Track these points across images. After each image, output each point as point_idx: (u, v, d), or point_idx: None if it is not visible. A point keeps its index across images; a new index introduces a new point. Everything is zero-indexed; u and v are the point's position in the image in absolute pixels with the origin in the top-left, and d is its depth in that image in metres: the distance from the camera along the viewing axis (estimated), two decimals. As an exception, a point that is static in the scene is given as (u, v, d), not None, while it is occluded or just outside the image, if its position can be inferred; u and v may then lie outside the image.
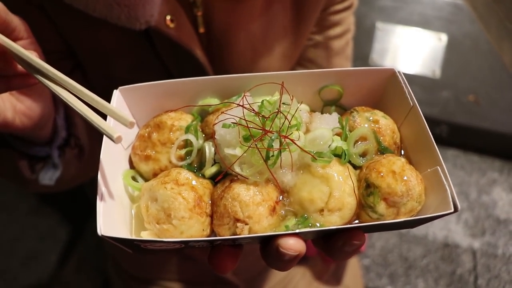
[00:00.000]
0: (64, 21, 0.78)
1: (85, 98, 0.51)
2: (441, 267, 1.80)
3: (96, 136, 0.79)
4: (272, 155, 0.53)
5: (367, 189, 0.55)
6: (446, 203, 0.51)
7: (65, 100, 0.51)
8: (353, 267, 1.48)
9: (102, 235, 0.47)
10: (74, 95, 0.52)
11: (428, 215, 0.52)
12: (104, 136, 0.55)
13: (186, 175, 0.56)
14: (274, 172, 0.54)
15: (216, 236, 0.56)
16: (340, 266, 1.43)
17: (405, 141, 0.64)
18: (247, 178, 0.54)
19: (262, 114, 0.56)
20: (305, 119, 0.61)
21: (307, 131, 0.60)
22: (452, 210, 0.50)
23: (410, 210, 0.55)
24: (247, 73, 0.63)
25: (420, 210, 0.56)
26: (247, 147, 0.53)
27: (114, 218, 0.54)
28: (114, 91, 0.61)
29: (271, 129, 0.54)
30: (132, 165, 0.64)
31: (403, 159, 0.57)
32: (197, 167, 0.60)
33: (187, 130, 0.61)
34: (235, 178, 0.55)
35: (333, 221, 0.55)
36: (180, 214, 0.52)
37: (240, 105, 0.58)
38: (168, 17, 0.76)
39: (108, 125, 0.49)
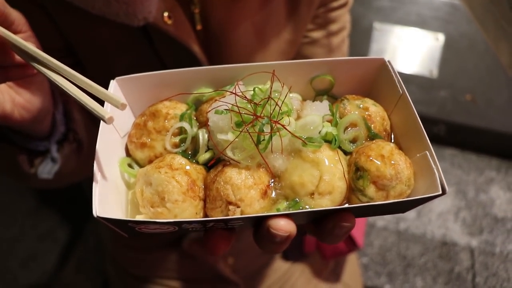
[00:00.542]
0: (64, 19, 0.80)
1: (78, 83, 0.53)
2: (439, 265, 1.80)
3: (94, 131, 0.80)
4: (263, 139, 0.54)
5: (356, 172, 0.56)
6: (434, 186, 0.52)
7: (60, 85, 0.53)
8: (352, 264, 1.47)
9: (97, 216, 0.49)
10: (69, 80, 0.53)
11: (416, 197, 0.52)
12: (100, 125, 0.57)
13: (180, 160, 0.57)
14: (266, 156, 0.55)
15: None
16: (339, 263, 1.42)
17: (395, 128, 0.65)
18: (239, 163, 0.55)
19: (254, 101, 0.58)
20: (297, 107, 0.62)
21: (299, 118, 0.61)
22: (440, 192, 0.51)
23: (400, 193, 0.56)
24: (240, 63, 0.64)
25: (410, 194, 0.57)
26: (239, 132, 0.54)
27: (109, 202, 0.55)
28: (111, 81, 0.63)
29: (262, 114, 0.55)
30: (128, 153, 0.66)
31: (392, 144, 0.58)
32: (191, 154, 0.61)
33: (182, 118, 0.62)
34: (228, 163, 0.56)
35: (324, 205, 0.55)
36: (174, 197, 0.53)
37: (233, 93, 0.59)
38: (166, 14, 0.77)
39: (100, 107, 0.51)
